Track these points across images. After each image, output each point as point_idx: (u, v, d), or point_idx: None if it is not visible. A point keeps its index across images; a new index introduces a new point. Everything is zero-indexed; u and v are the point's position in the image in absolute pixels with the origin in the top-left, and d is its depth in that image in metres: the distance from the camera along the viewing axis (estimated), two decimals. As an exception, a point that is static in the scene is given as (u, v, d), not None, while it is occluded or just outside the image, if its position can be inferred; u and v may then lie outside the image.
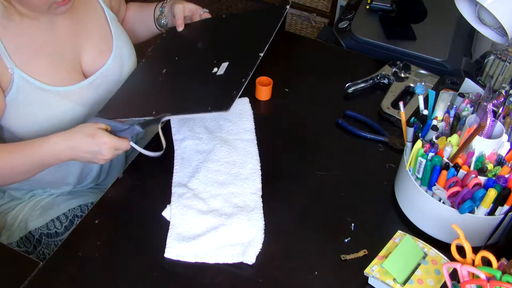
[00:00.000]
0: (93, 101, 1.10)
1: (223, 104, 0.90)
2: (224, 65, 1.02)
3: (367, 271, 0.90)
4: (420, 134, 1.00)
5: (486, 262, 0.77)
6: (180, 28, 1.22)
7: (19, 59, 0.99)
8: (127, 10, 1.31)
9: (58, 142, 0.96)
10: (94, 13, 1.14)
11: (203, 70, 1.06)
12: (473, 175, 0.90)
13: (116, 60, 1.14)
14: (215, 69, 1.03)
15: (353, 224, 1.01)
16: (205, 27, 1.22)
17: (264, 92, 1.27)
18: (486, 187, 0.90)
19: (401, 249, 0.89)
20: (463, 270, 0.77)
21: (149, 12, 1.29)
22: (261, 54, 0.98)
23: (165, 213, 1.01)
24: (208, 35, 1.20)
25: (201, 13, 1.23)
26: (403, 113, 1.06)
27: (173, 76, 1.12)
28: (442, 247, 0.93)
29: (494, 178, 0.90)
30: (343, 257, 0.95)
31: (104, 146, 0.96)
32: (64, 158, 0.98)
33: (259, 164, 1.10)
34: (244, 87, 0.93)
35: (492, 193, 0.88)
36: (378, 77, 1.35)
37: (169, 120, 1.20)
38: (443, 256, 0.91)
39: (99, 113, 1.08)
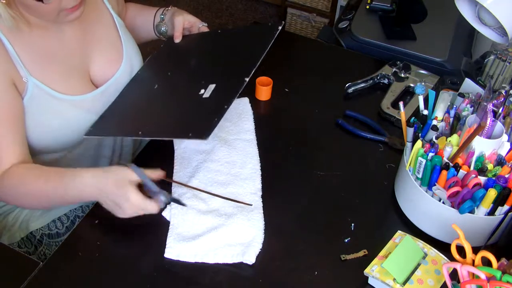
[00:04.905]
0: (104, 109, 1.10)
1: (203, 132, 0.90)
2: (211, 87, 1.03)
3: (367, 271, 0.90)
4: (420, 134, 1.00)
5: (486, 262, 0.77)
6: (177, 40, 1.22)
7: (33, 68, 0.98)
8: (126, 11, 1.31)
9: (86, 177, 0.92)
10: (103, 20, 1.13)
11: (191, 91, 1.06)
12: (473, 175, 0.90)
13: (126, 68, 1.14)
14: (202, 91, 1.03)
15: (353, 224, 1.01)
16: (200, 42, 1.23)
17: (264, 92, 1.27)
18: (486, 187, 0.90)
19: (401, 249, 0.89)
20: (463, 270, 0.77)
21: (149, 17, 1.28)
22: (247, 79, 0.98)
23: (165, 213, 1.01)
24: (201, 52, 1.21)
25: (199, 26, 1.23)
26: (403, 113, 1.06)
27: (163, 95, 1.12)
28: (442, 247, 0.93)
29: (494, 178, 0.90)
30: (343, 257, 0.95)
31: (126, 203, 0.89)
32: (86, 196, 0.93)
33: (259, 164, 1.10)
34: (225, 113, 0.93)
35: (492, 193, 0.88)
36: (378, 77, 1.35)
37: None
38: (443, 256, 0.91)
39: (90, 129, 1.07)
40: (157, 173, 0.95)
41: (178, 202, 0.96)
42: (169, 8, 1.26)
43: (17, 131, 0.97)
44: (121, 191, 0.89)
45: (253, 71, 1.00)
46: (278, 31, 1.09)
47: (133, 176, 0.90)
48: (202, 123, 0.95)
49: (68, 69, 1.04)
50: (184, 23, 1.21)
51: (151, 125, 1.04)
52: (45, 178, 0.95)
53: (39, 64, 0.99)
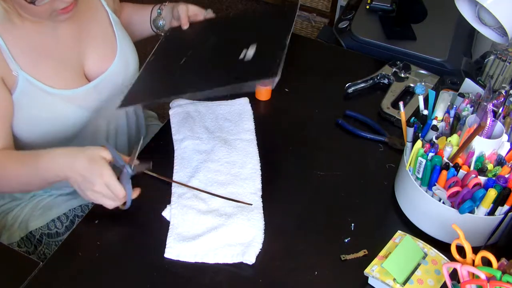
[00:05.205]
0: (97, 104, 1.10)
1: (270, 71, 0.85)
2: (251, 50, 0.97)
3: (367, 271, 0.90)
4: (420, 134, 1.00)
5: (486, 262, 0.77)
6: (186, 26, 1.20)
7: (24, 62, 0.98)
8: (122, 10, 1.31)
9: (59, 155, 0.93)
10: (98, 17, 1.13)
11: (229, 55, 1.01)
12: (473, 175, 0.90)
13: (121, 64, 1.14)
14: (242, 55, 0.97)
15: (353, 224, 1.01)
16: (213, 25, 1.20)
17: (264, 92, 1.27)
18: (486, 187, 0.90)
19: (401, 249, 0.89)
20: (463, 270, 0.77)
21: (145, 14, 1.28)
22: (287, 42, 0.93)
23: (165, 213, 1.01)
24: (220, 30, 1.18)
25: (205, 15, 1.21)
26: (403, 113, 1.06)
27: (199, 60, 1.08)
28: (442, 247, 0.93)
29: (494, 178, 0.90)
30: (343, 257, 0.95)
31: (98, 179, 0.89)
32: (62, 176, 0.93)
33: (259, 164, 1.10)
34: (283, 61, 0.87)
35: (492, 193, 0.88)
36: (378, 77, 1.35)
37: (169, 120, 1.20)
38: (443, 256, 0.91)
39: (122, 102, 1.04)
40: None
41: (140, 168, 0.94)
42: (166, 4, 1.26)
43: (2, 126, 0.98)
44: (94, 166, 0.90)
45: (289, 38, 0.95)
46: (298, 7, 1.07)
47: (105, 153, 0.92)
48: (263, 67, 0.89)
49: (61, 64, 1.05)
50: (188, 11, 1.20)
51: (202, 80, 0.99)
52: (22, 161, 0.96)
53: (31, 58, 1.00)
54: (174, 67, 1.10)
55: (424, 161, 0.93)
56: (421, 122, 1.01)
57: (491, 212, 0.92)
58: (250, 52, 0.97)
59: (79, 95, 1.06)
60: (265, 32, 1.08)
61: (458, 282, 0.79)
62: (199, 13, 1.21)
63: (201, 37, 1.18)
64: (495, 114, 0.98)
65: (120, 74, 1.14)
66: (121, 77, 1.15)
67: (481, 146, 0.93)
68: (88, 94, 1.08)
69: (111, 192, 0.91)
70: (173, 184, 1.06)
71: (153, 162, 1.08)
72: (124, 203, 0.96)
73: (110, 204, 0.93)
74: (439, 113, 1.02)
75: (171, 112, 1.22)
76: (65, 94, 1.03)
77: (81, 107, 1.07)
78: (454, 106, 1.02)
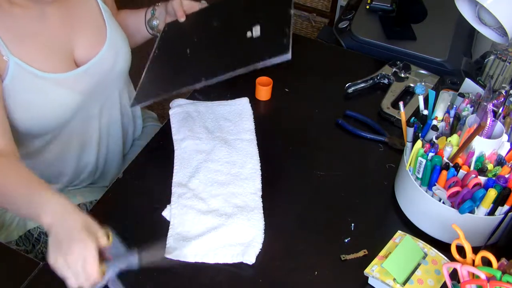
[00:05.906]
0: (88, 89, 1.10)
1: (283, 48, 0.85)
2: (257, 28, 0.96)
3: (367, 271, 0.90)
4: (420, 134, 1.00)
5: (486, 262, 0.77)
6: (182, 19, 1.19)
7: (14, 47, 0.98)
8: (117, 15, 1.30)
9: (59, 200, 0.83)
10: (88, 5, 1.14)
11: (236, 36, 1.00)
12: (473, 175, 0.90)
13: (110, 50, 1.14)
14: (249, 34, 0.97)
15: (353, 224, 1.01)
16: (210, 11, 1.19)
17: (264, 92, 1.27)
18: (486, 187, 0.90)
19: (401, 249, 0.89)
20: (463, 270, 0.77)
21: (140, 17, 1.28)
22: (292, 11, 0.93)
23: (165, 213, 1.01)
24: (219, 14, 1.17)
25: (200, 6, 1.21)
26: (403, 113, 1.06)
27: (206, 47, 1.07)
28: (442, 247, 0.93)
29: (494, 178, 0.90)
30: (343, 257, 0.95)
31: (81, 248, 0.77)
32: (47, 220, 0.80)
33: (259, 164, 1.10)
34: (292, 31, 0.88)
35: (492, 193, 0.88)
36: (378, 77, 1.35)
37: (169, 120, 1.20)
38: (443, 256, 0.91)
39: (134, 100, 1.03)
40: None
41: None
42: (159, 4, 1.26)
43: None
44: (85, 233, 0.79)
45: (292, 6, 0.95)
46: None
47: (104, 234, 0.81)
48: (275, 43, 0.89)
49: (51, 48, 1.05)
50: (182, 4, 1.19)
51: (211, 67, 0.98)
52: (23, 183, 0.89)
53: (21, 43, 1.00)
54: (182, 59, 1.10)
55: (424, 161, 0.93)
56: (421, 122, 1.01)
57: (491, 212, 0.92)
58: (256, 29, 0.96)
59: (70, 79, 1.06)
60: (267, 7, 1.08)
61: (458, 282, 0.79)
62: (194, 5, 1.21)
63: (201, 25, 1.17)
64: (495, 114, 0.98)
65: (110, 60, 1.14)
66: (111, 63, 1.15)
67: (481, 146, 0.93)
68: (78, 78, 1.08)
69: (83, 270, 0.78)
70: (173, 184, 1.06)
71: (154, 162, 1.08)
72: None
73: (72, 282, 0.78)
74: (439, 113, 1.02)
75: (171, 112, 1.22)
76: (56, 77, 1.04)
77: (72, 90, 1.07)
78: (454, 106, 1.02)
